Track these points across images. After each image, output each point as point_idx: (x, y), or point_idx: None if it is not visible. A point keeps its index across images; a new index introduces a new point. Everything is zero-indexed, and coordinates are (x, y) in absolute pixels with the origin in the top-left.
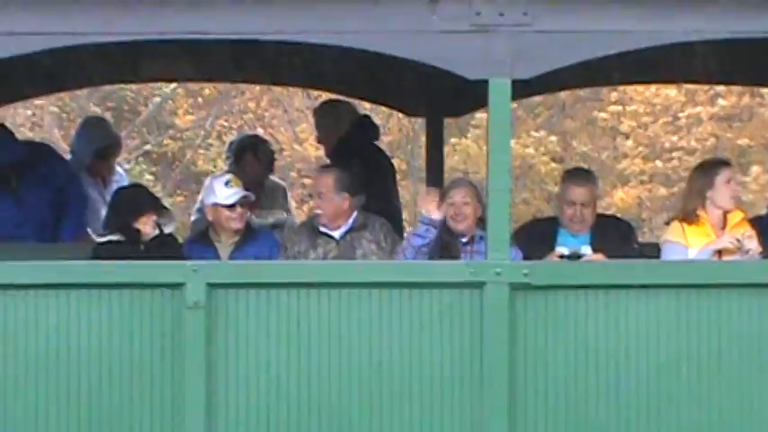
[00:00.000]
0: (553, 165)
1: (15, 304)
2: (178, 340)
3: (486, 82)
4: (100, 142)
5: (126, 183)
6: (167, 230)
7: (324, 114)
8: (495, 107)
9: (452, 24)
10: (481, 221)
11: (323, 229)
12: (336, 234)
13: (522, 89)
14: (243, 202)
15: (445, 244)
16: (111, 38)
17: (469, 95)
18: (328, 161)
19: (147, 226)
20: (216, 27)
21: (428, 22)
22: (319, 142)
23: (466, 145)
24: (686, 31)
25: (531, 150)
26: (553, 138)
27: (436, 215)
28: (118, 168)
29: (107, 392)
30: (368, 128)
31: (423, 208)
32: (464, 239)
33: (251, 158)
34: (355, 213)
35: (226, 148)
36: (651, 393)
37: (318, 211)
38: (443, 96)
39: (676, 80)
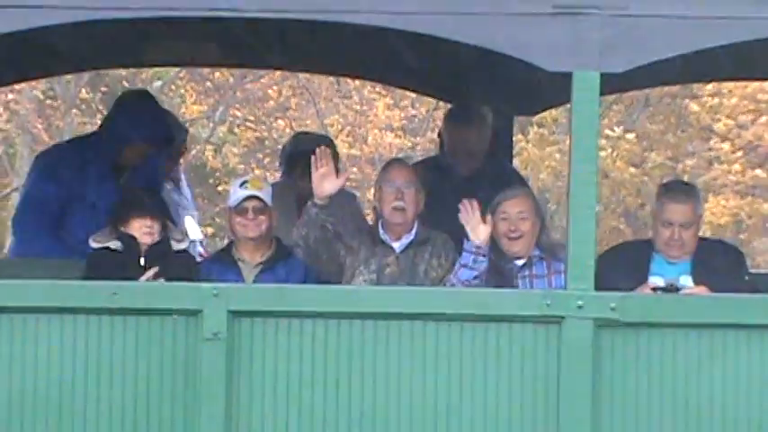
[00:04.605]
0: (632, 170)
1: None
2: (193, 378)
3: (569, 75)
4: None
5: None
6: (178, 247)
7: (470, 123)
8: (581, 105)
9: (532, 6)
10: (538, 240)
11: (383, 237)
12: (397, 246)
13: (607, 85)
14: (263, 209)
15: (496, 269)
16: (119, 14)
17: (545, 90)
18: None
19: (140, 233)
20: (246, 3)
21: (503, 2)
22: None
23: (522, 146)
24: None
25: (602, 153)
26: (630, 135)
27: (485, 239)
28: None
29: None
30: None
31: (469, 230)
32: (520, 263)
33: (307, 164)
34: (416, 224)
35: (280, 153)
36: None
37: (401, 204)
38: (514, 90)
39: None
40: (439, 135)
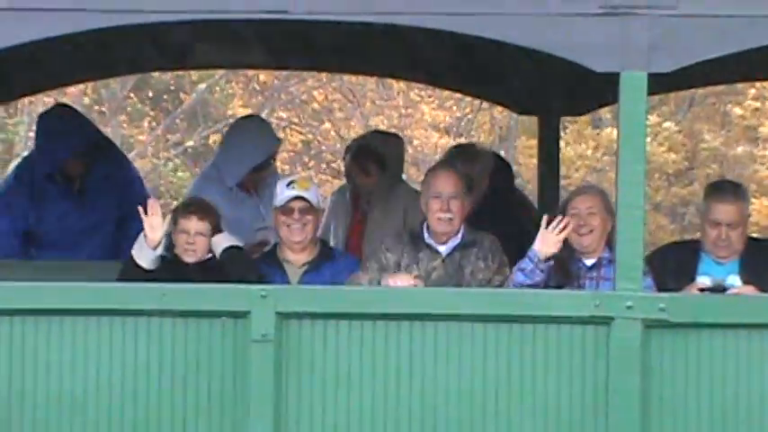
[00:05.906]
0: (674, 156)
1: (47, 333)
2: (242, 379)
3: (616, 75)
4: (262, 155)
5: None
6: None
7: (463, 161)
8: (628, 106)
9: (578, 6)
10: (610, 241)
11: (429, 241)
12: (443, 249)
13: (654, 85)
14: (309, 210)
15: (563, 268)
16: (165, 17)
17: (592, 90)
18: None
19: (183, 244)
20: (294, 5)
21: (548, 2)
22: None
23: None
24: None
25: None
26: (668, 124)
27: (548, 254)
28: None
29: None
30: (506, 173)
31: (539, 238)
32: (589, 263)
33: (367, 163)
34: (463, 227)
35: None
36: None
37: (448, 216)
38: (561, 91)
39: None
40: None
